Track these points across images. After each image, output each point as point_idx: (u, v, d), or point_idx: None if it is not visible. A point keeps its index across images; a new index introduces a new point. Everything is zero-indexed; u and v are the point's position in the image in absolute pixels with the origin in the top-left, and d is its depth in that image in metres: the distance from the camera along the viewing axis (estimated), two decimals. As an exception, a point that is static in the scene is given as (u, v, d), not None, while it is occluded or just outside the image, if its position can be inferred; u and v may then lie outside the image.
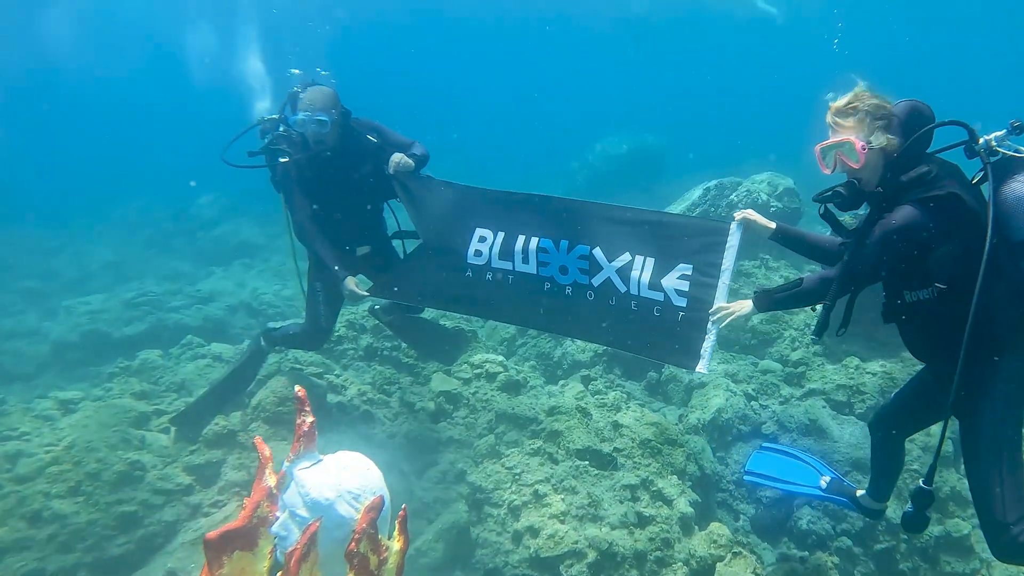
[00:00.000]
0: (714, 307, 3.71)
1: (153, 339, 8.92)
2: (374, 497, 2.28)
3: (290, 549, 2.20)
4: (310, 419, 2.39)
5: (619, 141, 19.64)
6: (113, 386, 6.20)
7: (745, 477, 4.70)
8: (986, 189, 2.89)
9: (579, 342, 7.66)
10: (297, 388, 2.40)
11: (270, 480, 2.37)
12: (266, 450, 2.46)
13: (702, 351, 3.73)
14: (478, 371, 6.47)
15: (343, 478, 2.33)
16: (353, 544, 2.20)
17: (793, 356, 7.04)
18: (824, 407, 6.16)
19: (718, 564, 4.53)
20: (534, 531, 4.71)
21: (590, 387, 6.75)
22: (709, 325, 3.73)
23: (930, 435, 5.63)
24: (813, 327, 3.28)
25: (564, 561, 4.53)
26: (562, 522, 4.73)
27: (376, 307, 5.75)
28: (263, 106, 5.55)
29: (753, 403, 6.38)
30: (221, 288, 11.41)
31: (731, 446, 6.05)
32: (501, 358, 6.79)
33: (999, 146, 2.83)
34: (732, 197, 9.05)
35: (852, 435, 5.86)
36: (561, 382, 7.14)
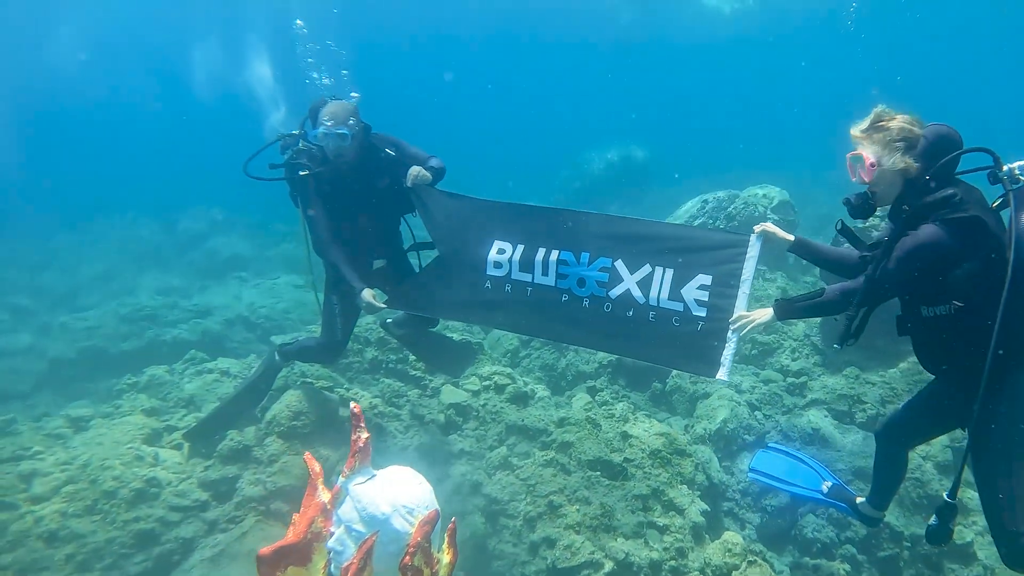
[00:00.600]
0: (734, 315, 3.80)
1: (151, 354, 8.87)
2: (429, 511, 2.33)
3: (346, 563, 2.24)
4: (365, 435, 2.43)
5: (606, 153, 19.79)
6: (122, 403, 6.17)
7: (750, 475, 4.76)
8: (1006, 214, 3.03)
9: (582, 353, 7.74)
10: (353, 404, 2.44)
11: (324, 496, 2.41)
12: (316, 466, 2.50)
13: (722, 359, 3.81)
14: (487, 383, 6.53)
15: (397, 493, 2.37)
16: (408, 557, 2.25)
17: (794, 366, 7.16)
18: (826, 416, 6.27)
19: (733, 573, 4.60)
20: (550, 542, 4.77)
21: (597, 398, 6.82)
22: (729, 333, 3.81)
23: (930, 444, 5.74)
24: (838, 336, 3.35)
25: (581, 572, 4.59)
26: (577, 533, 4.79)
27: (388, 320, 5.78)
28: (277, 117, 5.60)
29: (757, 413, 6.48)
30: (216, 302, 11.35)
31: (736, 456, 6.14)
32: (509, 370, 6.86)
33: (1022, 174, 2.95)
34: (730, 209, 9.20)
35: (854, 444, 5.96)
36: (567, 393, 7.21)
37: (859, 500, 4.22)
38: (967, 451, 3.10)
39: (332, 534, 2.35)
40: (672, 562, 4.66)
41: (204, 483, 5.03)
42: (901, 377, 6.47)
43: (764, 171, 12.50)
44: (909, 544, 5.18)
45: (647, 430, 5.75)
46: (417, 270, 5.26)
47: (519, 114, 39.72)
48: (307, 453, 2.58)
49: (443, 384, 6.61)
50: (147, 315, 10.09)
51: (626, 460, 5.40)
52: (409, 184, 4.82)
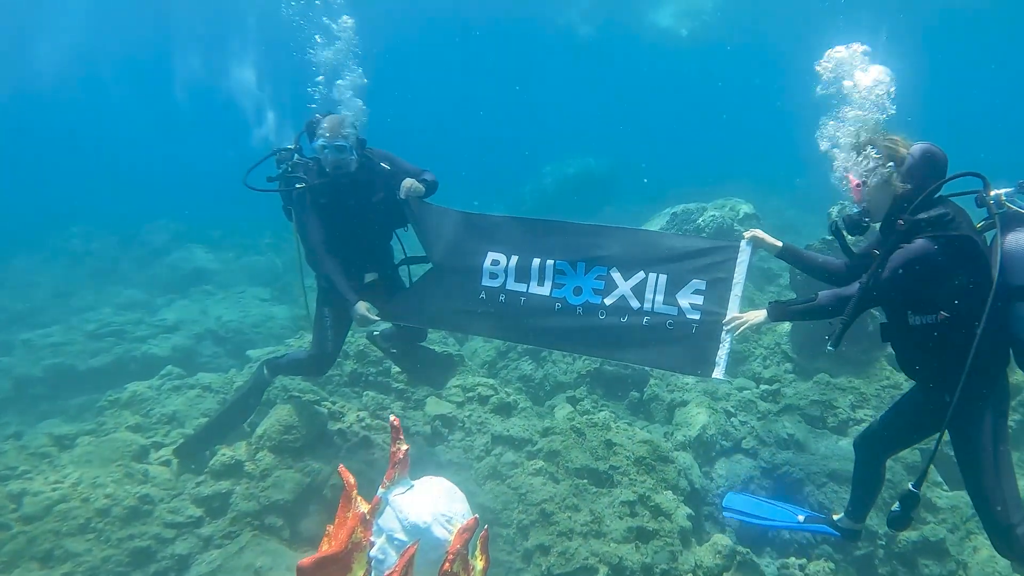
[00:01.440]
0: (728, 317, 3.98)
1: (121, 371, 8.75)
2: (468, 519, 2.42)
3: (388, 572, 2.31)
4: (405, 447, 2.51)
5: (567, 165, 20.07)
6: (106, 419, 6.09)
7: (725, 514, 4.92)
8: (989, 236, 3.27)
9: (560, 364, 7.87)
10: (392, 418, 2.52)
11: (362, 507, 2.47)
12: (351, 478, 2.57)
13: (717, 358, 4.00)
14: (470, 394, 6.62)
15: (436, 502, 2.46)
16: (447, 564, 2.33)
17: (766, 374, 7.40)
18: (800, 422, 6.50)
19: (724, 574, 4.76)
20: (544, 549, 4.88)
21: (578, 407, 6.94)
22: (723, 334, 4.00)
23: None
24: (833, 338, 3.51)
25: (576, 577, 4.70)
26: (570, 539, 4.91)
27: (375, 333, 5.83)
28: (259, 134, 5.63)
29: (733, 419, 6.68)
30: (183, 316, 11.17)
31: (715, 461, 6.33)
32: (492, 381, 6.95)
33: (1008, 201, 3.19)
34: (699, 222, 9.46)
35: (828, 448, 6.19)
36: (548, 403, 7.33)
37: (836, 517, 4.41)
38: (935, 449, 3.29)
39: (373, 544, 2.42)
40: (664, 565, 4.80)
41: (197, 499, 5.01)
42: (869, 383, 6.74)
43: (726, 184, 12.87)
44: (884, 543, 5.39)
45: (630, 438, 5.89)
46: (407, 285, 5.33)
47: (478, 129, 39.86)
48: (340, 466, 2.65)
49: (426, 396, 6.67)
50: (114, 331, 9.92)
51: (612, 468, 5.54)
52: (402, 196, 4.91)
